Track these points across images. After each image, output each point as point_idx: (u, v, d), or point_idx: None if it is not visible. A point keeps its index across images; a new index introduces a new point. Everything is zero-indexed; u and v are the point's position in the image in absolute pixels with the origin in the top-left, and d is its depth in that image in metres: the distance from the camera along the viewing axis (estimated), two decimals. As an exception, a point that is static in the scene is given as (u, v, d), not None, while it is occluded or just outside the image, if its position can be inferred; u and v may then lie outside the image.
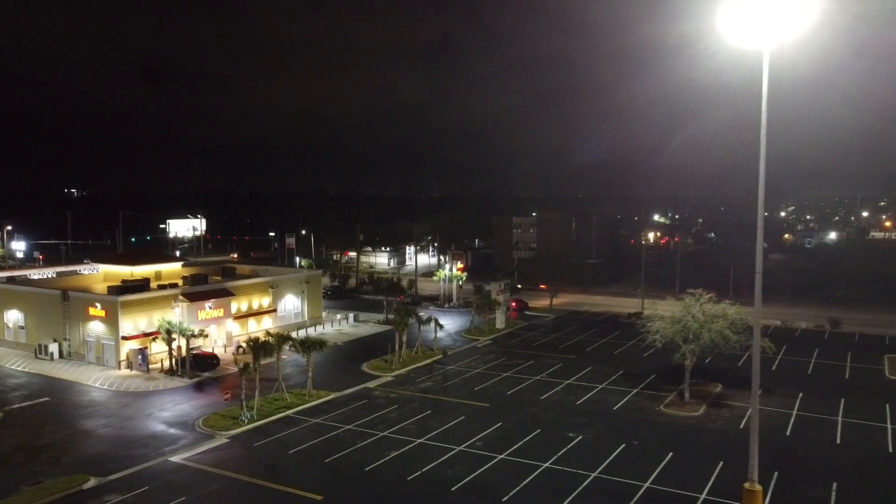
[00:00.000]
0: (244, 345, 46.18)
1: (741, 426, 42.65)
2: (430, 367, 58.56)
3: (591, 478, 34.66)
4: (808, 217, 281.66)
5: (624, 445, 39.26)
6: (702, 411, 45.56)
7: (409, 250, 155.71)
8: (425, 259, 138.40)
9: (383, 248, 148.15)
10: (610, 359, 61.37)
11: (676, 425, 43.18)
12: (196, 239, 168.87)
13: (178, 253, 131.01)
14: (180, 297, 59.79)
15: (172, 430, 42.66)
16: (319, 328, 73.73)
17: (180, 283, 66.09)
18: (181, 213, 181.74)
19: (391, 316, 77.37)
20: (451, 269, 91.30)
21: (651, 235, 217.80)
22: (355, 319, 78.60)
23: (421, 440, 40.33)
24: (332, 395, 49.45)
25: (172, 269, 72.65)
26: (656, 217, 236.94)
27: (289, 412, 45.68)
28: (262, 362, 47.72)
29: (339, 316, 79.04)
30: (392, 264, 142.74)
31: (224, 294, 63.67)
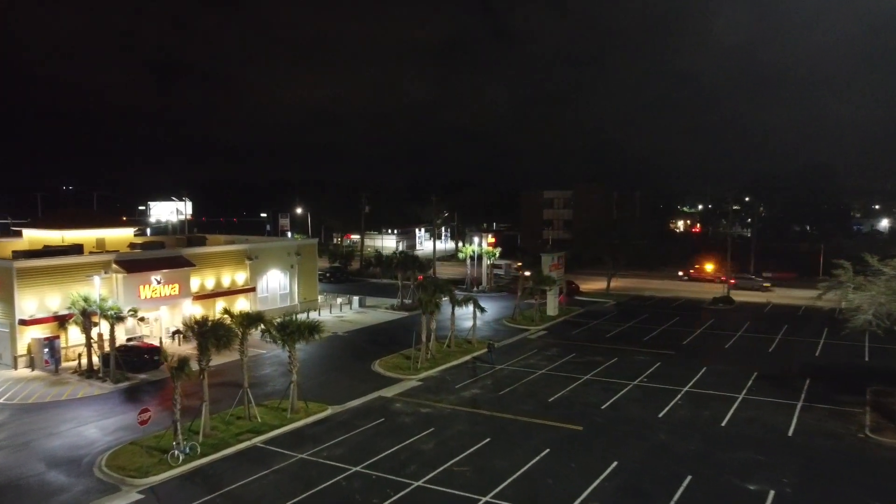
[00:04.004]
0: (184, 328, 28.53)
1: None
2: (472, 366, 40.65)
3: None
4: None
5: (865, 511, 21.33)
6: (942, 441, 27.55)
7: (420, 233, 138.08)
8: (438, 244, 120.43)
9: (390, 231, 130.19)
10: (724, 355, 43.43)
11: (922, 468, 25.18)
12: (181, 223, 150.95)
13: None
14: (114, 265, 41.92)
15: (52, 475, 24.73)
16: (314, 314, 55.72)
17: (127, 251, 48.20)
18: (166, 197, 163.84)
19: (407, 300, 59.85)
20: (480, 245, 73.29)
21: (681, 224, 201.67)
22: (361, 304, 60.63)
23: (487, 498, 22.40)
24: (329, 411, 31.55)
25: (120, 236, 54.72)
26: (679, 207, 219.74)
27: (257, 440, 27.77)
28: (216, 360, 30.03)
29: (339, 300, 61.14)
30: (401, 248, 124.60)
31: (180, 264, 45.71)
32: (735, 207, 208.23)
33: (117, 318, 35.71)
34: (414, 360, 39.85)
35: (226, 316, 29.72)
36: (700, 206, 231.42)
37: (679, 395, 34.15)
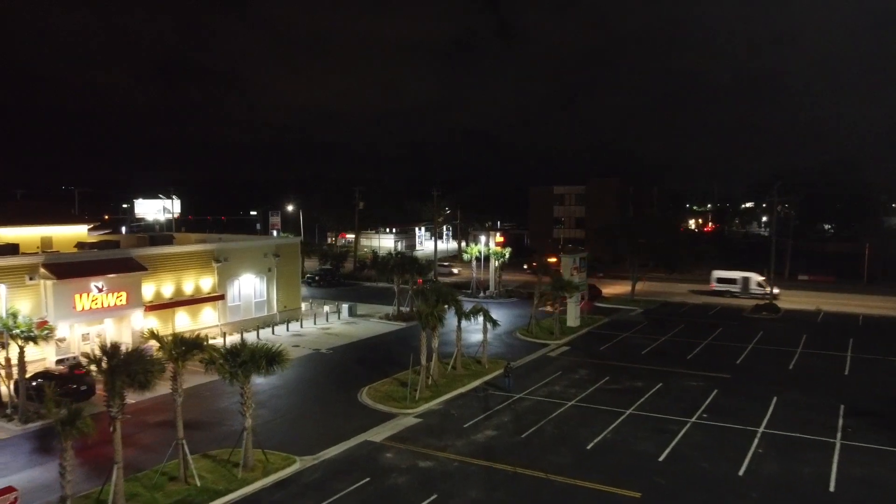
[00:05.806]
0: (85, 359, 20.74)
1: None
2: (483, 394, 32.69)
3: None
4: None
5: None
6: None
7: (420, 232, 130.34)
8: (440, 244, 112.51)
9: (388, 230, 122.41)
10: (791, 380, 35.43)
11: None
12: (167, 221, 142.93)
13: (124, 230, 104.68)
14: (41, 269, 33.99)
15: None
16: (295, 325, 47.88)
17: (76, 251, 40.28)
18: (153, 194, 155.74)
19: (405, 308, 51.98)
20: (487, 245, 65.35)
21: (692, 222, 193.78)
22: (351, 313, 52.73)
23: None
24: (297, 465, 23.61)
25: (72, 234, 47.06)
26: (687, 206, 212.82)
27: (189, 517, 19.86)
28: (154, 392, 22.21)
29: (326, 308, 53.12)
30: (400, 248, 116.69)
31: (128, 267, 37.75)
32: (748, 205, 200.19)
33: (27, 339, 27.73)
34: (412, 386, 31.87)
35: (151, 341, 21.76)
36: (709, 206, 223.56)
37: (756, 440, 26.19)
